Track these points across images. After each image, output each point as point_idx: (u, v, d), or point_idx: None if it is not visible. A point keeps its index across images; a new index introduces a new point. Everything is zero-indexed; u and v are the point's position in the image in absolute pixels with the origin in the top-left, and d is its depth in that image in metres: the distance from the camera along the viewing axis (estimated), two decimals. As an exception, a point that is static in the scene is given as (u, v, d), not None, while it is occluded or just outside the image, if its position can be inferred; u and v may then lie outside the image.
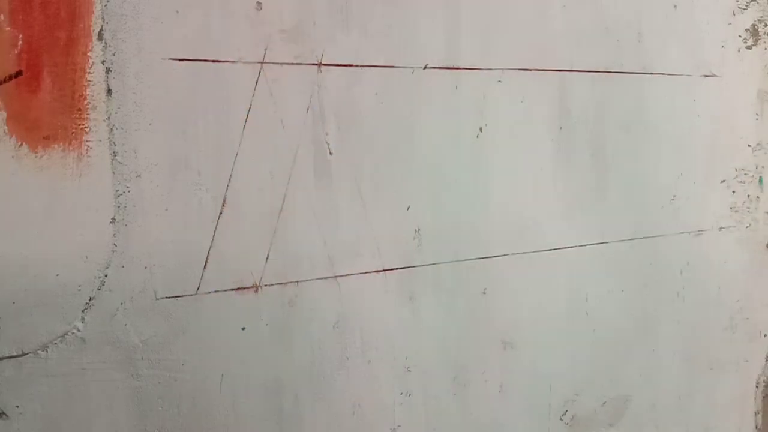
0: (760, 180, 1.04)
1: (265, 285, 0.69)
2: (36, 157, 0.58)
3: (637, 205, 0.92)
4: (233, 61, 0.65)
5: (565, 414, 0.88)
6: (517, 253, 0.83)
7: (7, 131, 0.56)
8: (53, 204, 0.59)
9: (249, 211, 0.67)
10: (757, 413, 1.03)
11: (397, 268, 0.75)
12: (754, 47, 1.01)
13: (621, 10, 0.87)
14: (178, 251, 0.64)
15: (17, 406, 0.59)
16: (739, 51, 0.99)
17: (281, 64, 0.67)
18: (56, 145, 0.58)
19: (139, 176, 0.62)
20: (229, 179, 0.66)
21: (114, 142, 0.61)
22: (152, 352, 0.64)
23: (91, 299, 0.61)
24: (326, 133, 0.70)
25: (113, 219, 0.61)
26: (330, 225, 0.72)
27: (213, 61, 0.64)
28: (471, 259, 0.80)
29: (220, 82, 0.65)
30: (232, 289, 0.66)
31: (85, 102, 0.59)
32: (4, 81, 0.56)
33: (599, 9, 0.86)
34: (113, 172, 0.61)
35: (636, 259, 0.93)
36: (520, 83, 0.81)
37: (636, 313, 0.94)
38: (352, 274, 0.73)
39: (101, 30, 0.59)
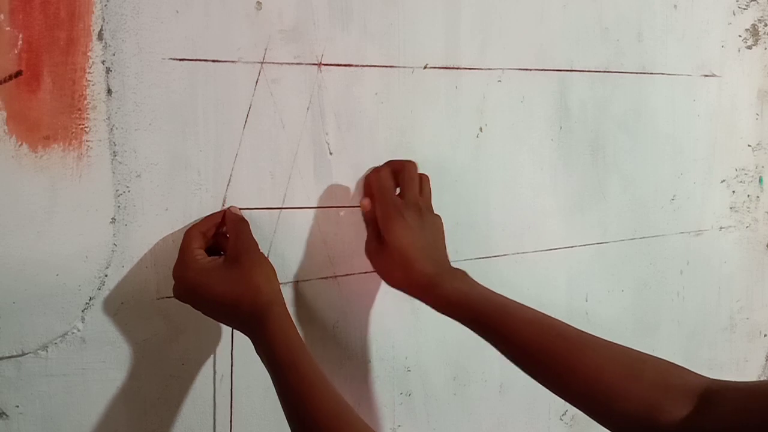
0: (760, 180, 1.04)
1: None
2: (36, 157, 0.58)
3: (637, 205, 0.92)
4: (233, 61, 0.65)
5: (565, 414, 0.88)
6: (517, 253, 0.83)
7: (7, 131, 0.56)
8: (53, 204, 0.59)
9: (249, 211, 0.67)
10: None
11: (397, 268, 0.75)
12: (754, 47, 1.01)
13: (621, 10, 0.87)
14: (178, 251, 0.64)
15: (17, 406, 0.59)
16: (739, 51, 0.99)
17: (281, 64, 0.67)
18: (56, 145, 0.58)
19: (139, 176, 0.62)
20: (229, 179, 0.66)
21: (114, 142, 0.61)
22: (152, 352, 0.64)
23: (91, 299, 0.61)
24: (326, 133, 0.70)
25: (113, 219, 0.61)
26: (330, 225, 0.72)
27: (213, 61, 0.64)
28: (471, 259, 0.80)
29: (220, 82, 0.65)
30: (232, 289, 0.66)
31: (85, 102, 0.59)
32: (4, 81, 0.56)
33: (599, 9, 0.86)
34: (113, 172, 0.61)
35: (636, 259, 0.93)
36: (520, 83, 0.81)
37: (636, 313, 0.94)
38: (352, 274, 0.73)
39: (101, 30, 0.59)
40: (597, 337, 0.61)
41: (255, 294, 0.59)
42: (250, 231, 0.63)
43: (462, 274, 0.67)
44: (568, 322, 0.63)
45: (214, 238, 0.65)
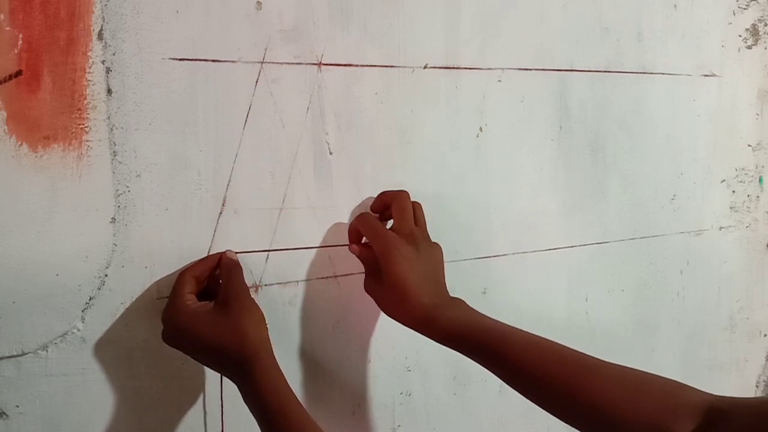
0: (760, 180, 1.04)
1: (265, 285, 0.69)
2: (36, 156, 0.58)
3: (637, 205, 0.92)
4: (233, 61, 0.65)
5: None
6: (517, 253, 0.83)
7: (7, 131, 0.56)
8: (53, 204, 0.59)
9: (249, 211, 0.67)
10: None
11: (397, 268, 0.75)
12: (754, 47, 1.01)
13: (621, 10, 0.87)
14: (178, 251, 0.64)
15: (17, 406, 0.59)
16: (739, 51, 0.99)
17: (281, 64, 0.67)
18: (56, 145, 0.58)
19: (139, 176, 0.62)
20: (229, 179, 0.66)
21: (114, 142, 0.61)
22: (152, 352, 0.64)
23: (91, 299, 0.61)
24: (326, 133, 0.70)
25: (113, 219, 0.61)
26: (330, 225, 0.72)
27: (213, 60, 0.64)
28: (471, 259, 0.80)
29: (220, 82, 0.65)
30: (232, 289, 0.66)
31: (85, 102, 0.59)
32: (4, 81, 0.56)
33: (599, 9, 0.86)
34: (113, 172, 0.61)
35: (636, 259, 0.93)
36: (520, 83, 0.81)
37: (636, 313, 0.94)
38: (352, 274, 0.73)
39: (101, 30, 0.59)
40: (599, 359, 0.61)
41: (242, 341, 0.58)
42: (242, 276, 0.63)
43: (460, 304, 0.66)
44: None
45: (208, 282, 0.64)
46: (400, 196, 0.70)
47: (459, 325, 0.64)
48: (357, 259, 0.72)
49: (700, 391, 0.57)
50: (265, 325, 0.61)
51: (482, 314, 0.65)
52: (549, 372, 0.60)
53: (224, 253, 0.65)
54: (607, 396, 0.58)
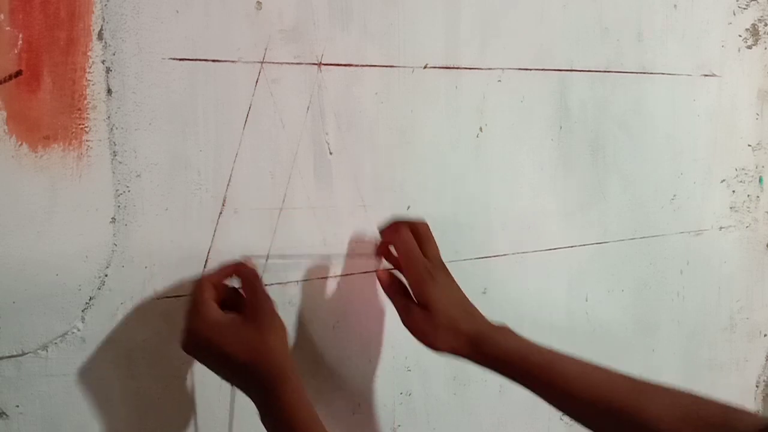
0: (760, 180, 1.04)
1: (265, 285, 0.69)
2: (36, 156, 0.58)
3: (637, 205, 0.92)
4: (233, 61, 0.65)
5: (565, 414, 0.88)
6: (517, 253, 0.83)
7: (7, 131, 0.56)
8: (53, 204, 0.59)
9: (249, 211, 0.67)
10: (757, 413, 1.03)
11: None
12: (754, 47, 1.01)
13: (621, 10, 0.87)
14: (178, 251, 0.64)
15: (17, 406, 0.59)
16: (739, 51, 0.99)
17: (281, 63, 0.67)
18: (56, 145, 0.58)
19: (139, 176, 0.62)
20: (229, 179, 0.66)
21: (114, 142, 0.61)
22: (152, 352, 0.64)
23: (91, 299, 0.61)
24: (326, 133, 0.70)
25: (113, 219, 0.61)
26: (330, 225, 0.72)
27: (213, 60, 0.64)
28: (471, 259, 0.80)
29: (220, 82, 0.65)
30: (232, 289, 0.66)
31: (85, 102, 0.59)
32: (4, 81, 0.56)
33: (599, 9, 0.86)
34: (113, 172, 0.61)
35: (636, 259, 0.93)
36: (520, 83, 0.81)
37: (636, 313, 0.94)
38: (352, 274, 0.73)
39: (101, 30, 0.59)
40: (649, 383, 0.60)
41: (269, 359, 0.57)
42: (264, 288, 0.62)
43: (506, 330, 0.66)
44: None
45: (225, 290, 0.63)
46: (423, 225, 0.69)
47: (510, 351, 0.63)
48: (356, 259, 0.72)
49: (752, 414, 0.57)
50: (287, 341, 0.60)
51: (528, 340, 0.65)
52: (601, 398, 0.60)
53: (241, 262, 0.64)
54: (662, 422, 0.57)
